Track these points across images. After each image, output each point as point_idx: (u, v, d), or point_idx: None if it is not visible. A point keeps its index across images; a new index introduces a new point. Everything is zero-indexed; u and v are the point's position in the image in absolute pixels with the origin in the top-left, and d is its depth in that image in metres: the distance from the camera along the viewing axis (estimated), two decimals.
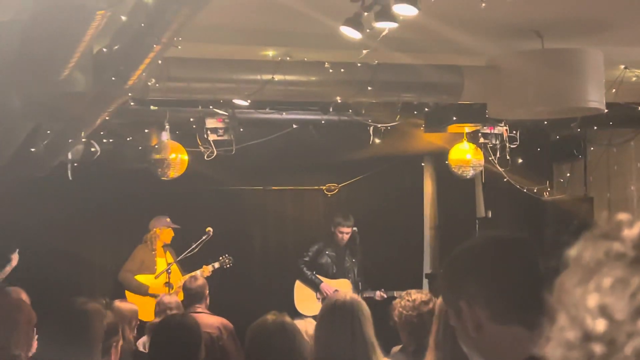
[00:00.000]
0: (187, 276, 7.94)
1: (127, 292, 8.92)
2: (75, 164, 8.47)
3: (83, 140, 7.95)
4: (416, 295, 4.80)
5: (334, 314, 4.08)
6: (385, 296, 9.05)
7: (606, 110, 6.92)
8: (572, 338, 0.57)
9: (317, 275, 9.30)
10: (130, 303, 6.89)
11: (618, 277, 0.56)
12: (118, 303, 6.34)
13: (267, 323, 3.95)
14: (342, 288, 9.00)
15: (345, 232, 9.31)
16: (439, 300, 4.19)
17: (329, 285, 9.18)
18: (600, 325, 0.55)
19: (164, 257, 9.15)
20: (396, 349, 4.90)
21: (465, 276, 1.99)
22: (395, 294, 8.94)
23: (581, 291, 0.58)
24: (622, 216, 0.61)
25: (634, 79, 7.53)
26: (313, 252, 9.40)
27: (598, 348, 0.55)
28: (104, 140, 8.49)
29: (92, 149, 8.41)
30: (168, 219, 9.25)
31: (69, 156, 8.33)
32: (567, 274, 0.61)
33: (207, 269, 8.94)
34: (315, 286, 9.25)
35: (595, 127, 9.45)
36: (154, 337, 4.35)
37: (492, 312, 1.89)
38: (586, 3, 5.74)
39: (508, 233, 2.07)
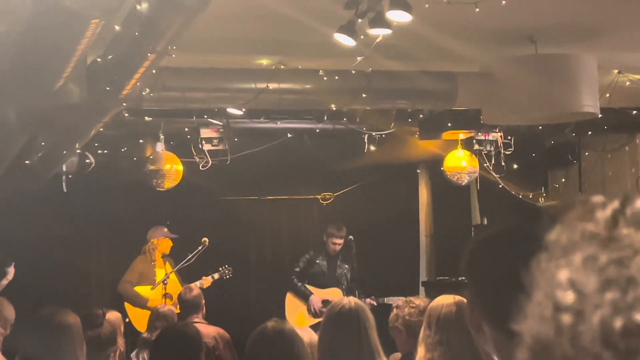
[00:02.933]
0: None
1: (126, 304, 8.90)
2: (70, 176, 8.45)
3: (77, 151, 7.94)
4: (419, 302, 4.80)
5: (340, 320, 4.07)
6: (375, 303, 9.02)
7: (600, 115, 6.94)
8: (546, 312, 0.60)
9: (308, 286, 9.29)
10: (113, 312, 6.86)
11: (588, 254, 0.59)
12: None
13: (267, 330, 3.94)
14: (332, 297, 8.99)
15: (337, 243, 9.31)
16: (431, 305, 4.19)
17: (317, 298, 9.17)
18: (569, 297, 0.58)
19: (164, 267, 9.14)
20: (395, 356, 4.89)
21: (465, 275, 1.93)
22: (387, 300, 8.96)
23: (554, 267, 0.61)
24: (596, 199, 0.64)
25: (627, 83, 7.55)
26: (304, 262, 9.39)
27: (567, 318, 0.57)
28: (99, 152, 8.48)
29: (87, 161, 8.40)
30: (165, 229, 9.24)
31: (64, 168, 8.31)
32: (544, 255, 0.64)
33: (207, 280, 8.93)
34: (305, 297, 9.24)
35: (590, 133, 9.47)
36: (155, 345, 4.34)
37: (489, 319, 1.84)
38: (579, 9, 5.76)
39: (514, 226, 1.99)
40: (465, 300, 4.11)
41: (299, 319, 8.79)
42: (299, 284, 9.28)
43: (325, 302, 8.79)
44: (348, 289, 9.33)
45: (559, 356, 0.58)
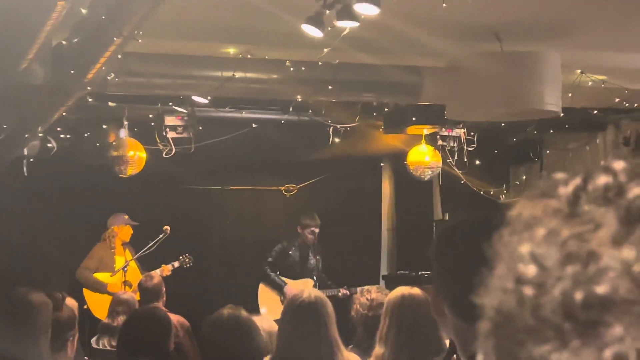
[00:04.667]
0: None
1: (84, 290, 8.84)
2: (32, 160, 8.36)
3: (40, 135, 7.86)
4: (375, 295, 4.83)
5: (299, 313, 4.07)
6: (348, 293, 9.08)
7: (562, 114, 7.01)
8: (508, 285, 0.61)
9: (281, 277, 9.29)
10: (70, 299, 6.81)
11: (551, 228, 0.60)
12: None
13: (223, 317, 3.94)
14: (305, 287, 9.01)
15: (315, 232, 9.33)
16: (388, 297, 4.23)
17: (293, 287, 9.18)
18: (531, 270, 0.59)
19: (123, 255, 9.09)
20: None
21: (432, 259, 1.96)
22: (359, 290, 8.99)
23: (516, 241, 0.62)
24: (559, 175, 0.65)
25: (590, 83, 7.64)
26: (276, 252, 9.38)
27: (528, 290, 0.58)
28: (61, 136, 8.40)
29: (49, 145, 8.31)
30: (126, 216, 9.19)
31: (25, 152, 8.22)
32: (506, 229, 0.64)
33: (167, 268, 8.89)
34: (279, 288, 9.23)
35: (552, 131, 9.58)
36: (124, 328, 4.33)
37: (451, 304, 1.86)
38: (545, 7, 5.82)
39: (478, 215, 2.01)
40: (421, 292, 4.16)
41: (275, 309, 8.77)
42: (272, 274, 9.28)
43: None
44: (319, 279, 9.36)
45: (520, 327, 0.59)
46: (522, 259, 0.60)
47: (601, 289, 0.56)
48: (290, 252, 9.37)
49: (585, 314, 0.56)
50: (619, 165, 0.62)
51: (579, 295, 0.56)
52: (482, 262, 1.97)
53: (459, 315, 1.83)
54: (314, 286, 9.11)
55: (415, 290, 4.11)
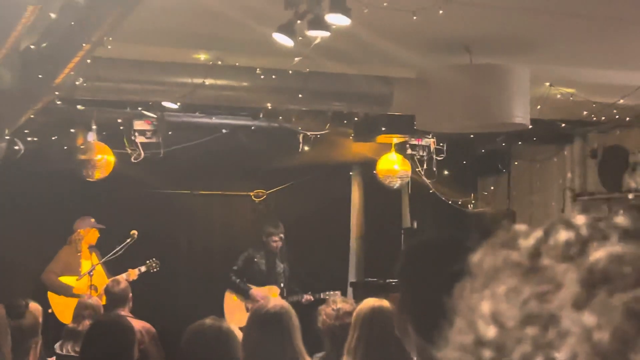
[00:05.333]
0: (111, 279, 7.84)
1: (49, 294, 8.76)
2: None
3: (6, 138, 7.77)
4: (341, 305, 4.83)
5: (264, 323, 4.07)
6: (312, 299, 9.10)
7: (531, 127, 7.07)
8: (467, 342, 0.60)
9: (247, 284, 9.28)
10: (34, 303, 6.76)
11: (511, 286, 0.59)
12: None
13: (205, 327, 3.92)
14: (271, 294, 9.01)
15: (276, 240, 9.34)
16: (357, 309, 4.24)
17: (259, 291, 9.17)
18: (490, 331, 0.58)
19: (90, 259, 9.02)
20: (319, 355, 4.92)
21: (398, 277, 1.96)
22: (322, 295, 9.03)
23: (477, 297, 0.61)
24: (520, 227, 0.64)
25: (558, 96, 7.71)
26: (242, 260, 9.37)
27: (488, 353, 0.57)
28: (28, 139, 8.31)
29: (16, 147, 8.23)
30: (93, 220, 9.12)
31: None
32: (468, 280, 0.64)
33: (134, 273, 8.84)
34: (245, 294, 9.22)
35: (520, 143, 9.66)
36: (87, 335, 4.30)
37: (415, 323, 1.86)
38: (515, 21, 5.87)
39: (439, 238, 1.99)
40: (389, 304, 4.17)
41: (240, 318, 8.75)
42: (238, 280, 9.26)
43: (266, 298, 8.81)
44: (286, 286, 9.36)
45: None
46: (483, 317, 0.59)
47: (561, 356, 0.55)
48: (255, 260, 9.36)
49: None
50: (580, 220, 0.61)
51: None
52: (447, 284, 1.95)
53: (422, 334, 1.83)
54: (280, 293, 9.11)
55: (385, 303, 4.12)
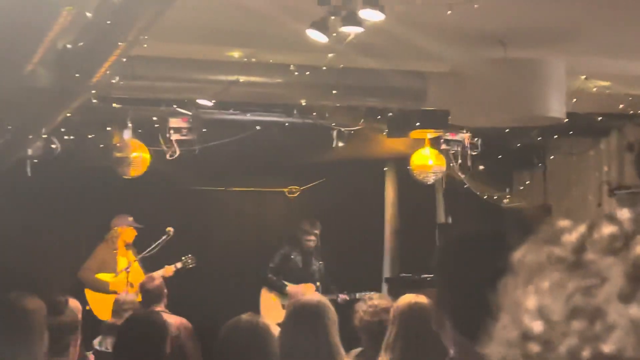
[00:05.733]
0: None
1: (86, 291, 8.85)
2: (35, 161, 8.37)
3: (43, 136, 7.87)
4: (378, 301, 4.83)
5: (300, 316, 4.08)
6: (348, 299, 9.08)
7: (566, 120, 7.02)
8: (512, 337, 0.60)
9: (284, 282, 9.31)
10: (74, 300, 6.84)
11: (556, 281, 0.60)
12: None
13: (241, 323, 3.94)
14: (307, 292, 9.03)
15: (311, 240, 9.35)
16: (395, 305, 4.23)
17: (295, 288, 9.19)
18: (537, 326, 0.58)
19: (126, 256, 9.09)
20: (355, 351, 4.93)
21: (435, 272, 1.95)
22: (358, 295, 9.02)
23: (521, 293, 0.61)
24: (563, 222, 0.64)
25: (594, 89, 7.64)
26: (278, 257, 9.40)
27: (535, 347, 0.58)
28: (65, 137, 8.40)
29: (53, 146, 8.32)
30: (130, 218, 9.19)
31: (29, 152, 8.23)
32: (511, 276, 0.64)
33: (170, 269, 8.90)
34: (281, 291, 9.25)
35: (556, 136, 9.57)
36: (120, 332, 4.34)
37: (453, 318, 1.86)
38: (549, 14, 5.82)
39: (481, 232, 1.94)
40: (427, 299, 4.16)
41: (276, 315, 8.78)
42: (275, 278, 9.29)
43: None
44: (322, 284, 9.36)
45: None
46: (528, 312, 0.60)
47: (608, 348, 0.55)
48: (292, 257, 9.38)
49: None
50: (623, 214, 0.62)
51: (585, 353, 0.56)
52: (486, 279, 1.93)
53: (460, 329, 1.82)
54: (317, 290, 9.13)
55: (422, 299, 4.11)
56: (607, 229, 0.61)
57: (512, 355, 0.60)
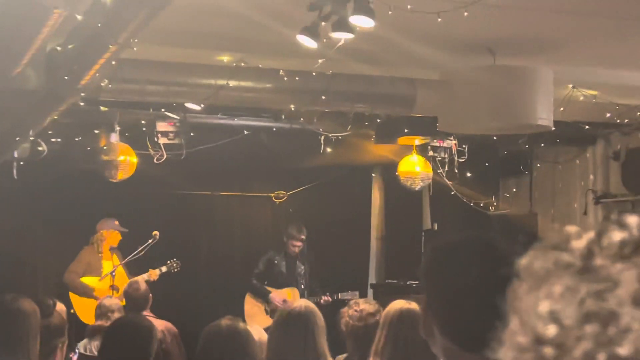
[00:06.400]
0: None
1: (71, 294, 8.81)
2: (22, 163, 8.33)
3: (30, 138, 7.83)
4: (364, 306, 4.83)
5: (289, 323, 4.08)
6: (330, 300, 9.11)
7: (553, 128, 7.05)
8: (524, 342, 0.60)
9: (267, 287, 9.32)
10: (60, 304, 6.82)
11: (567, 285, 0.60)
12: None
13: (222, 327, 3.94)
14: (289, 297, 9.04)
15: (297, 245, 9.37)
16: (385, 310, 4.23)
17: (278, 294, 9.20)
18: (550, 330, 0.58)
19: (111, 259, 9.06)
20: (341, 357, 4.93)
21: (423, 278, 1.95)
22: (340, 296, 9.05)
23: (532, 298, 0.61)
24: (571, 229, 0.65)
25: (581, 98, 7.68)
26: (263, 263, 9.41)
27: (549, 351, 0.58)
28: (52, 140, 8.36)
29: (39, 148, 8.28)
30: (116, 222, 9.17)
31: (15, 154, 8.19)
32: (519, 282, 0.64)
33: (154, 273, 8.88)
34: (264, 297, 9.26)
35: (542, 144, 9.62)
36: (106, 335, 4.32)
37: (441, 325, 1.86)
38: (538, 23, 5.85)
39: (474, 236, 1.94)
40: (417, 305, 4.16)
41: (259, 320, 8.77)
42: (258, 284, 9.31)
43: (285, 302, 8.86)
44: (306, 288, 9.37)
45: None
46: (541, 317, 0.60)
47: (623, 351, 0.55)
48: (276, 262, 9.39)
49: None
50: (633, 220, 0.62)
51: (601, 357, 0.56)
52: (474, 285, 1.93)
53: (449, 336, 1.82)
54: (301, 295, 9.13)
55: (413, 305, 4.11)
56: (617, 235, 0.61)
57: (527, 354, 0.60)
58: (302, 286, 9.40)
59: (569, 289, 0.60)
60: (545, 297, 0.61)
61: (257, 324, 8.13)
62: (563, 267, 0.61)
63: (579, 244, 0.62)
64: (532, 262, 0.64)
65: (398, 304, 4.13)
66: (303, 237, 9.40)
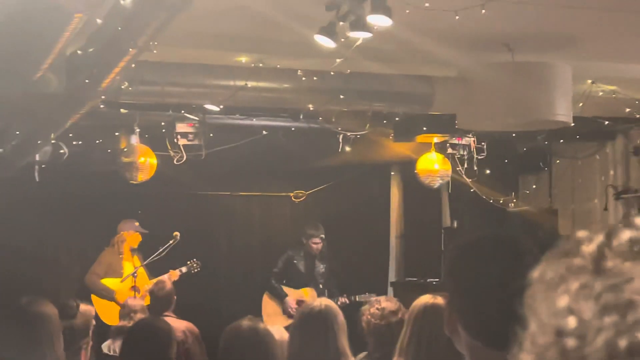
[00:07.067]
0: (154, 280, 7.91)
1: (92, 296, 8.87)
2: (43, 166, 8.39)
3: (52, 142, 7.89)
4: (385, 304, 4.83)
5: (309, 322, 4.10)
6: (347, 302, 9.10)
7: (572, 124, 7.03)
8: (545, 341, 0.61)
9: (284, 287, 9.34)
10: (87, 305, 6.88)
11: (582, 283, 0.61)
12: None
13: (242, 327, 3.96)
14: (307, 297, 9.06)
15: (317, 243, 9.38)
16: (412, 306, 4.22)
17: (292, 299, 9.22)
18: (571, 322, 0.60)
19: (132, 261, 9.11)
20: (362, 355, 4.94)
21: (446, 276, 1.96)
22: (357, 298, 9.05)
23: (550, 299, 0.63)
24: (581, 234, 0.66)
25: (600, 93, 7.65)
26: (282, 262, 9.43)
27: (571, 342, 0.59)
28: (73, 142, 8.42)
29: (61, 151, 8.34)
30: (137, 223, 9.22)
31: (37, 157, 8.26)
32: (534, 287, 0.65)
33: (175, 274, 8.92)
34: (281, 299, 9.29)
35: (562, 140, 9.59)
36: (126, 338, 4.36)
37: (465, 322, 1.86)
38: (556, 18, 5.84)
39: (497, 235, 1.95)
40: (442, 300, 4.15)
41: (277, 320, 8.80)
42: (276, 285, 9.33)
43: (300, 303, 8.88)
44: (324, 287, 9.38)
45: None
46: (560, 312, 0.61)
47: None
48: (295, 261, 9.41)
49: (631, 359, 0.57)
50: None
51: (623, 343, 0.57)
52: (497, 282, 1.94)
53: (473, 334, 1.83)
54: (319, 295, 9.13)
55: (439, 300, 4.08)
56: (626, 234, 0.63)
57: (548, 356, 0.61)
58: (321, 286, 9.42)
59: (585, 286, 0.61)
60: (562, 293, 0.62)
61: (274, 323, 8.17)
62: (576, 272, 0.63)
63: (590, 248, 0.64)
64: (544, 271, 0.65)
65: (423, 299, 4.11)
66: (322, 235, 9.41)
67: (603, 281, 0.61)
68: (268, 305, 9.35)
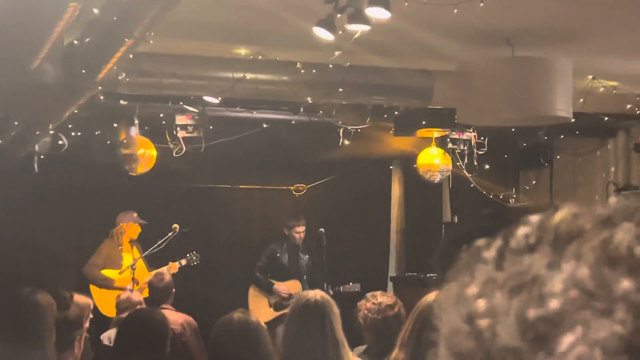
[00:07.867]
0: (153, 272, 7.90)
1: (91, 287, 8.86)
2: (42, 157, 8.39)
3: (51, 132, 7.88)
4: (382, 299, 4.82)
5: (305, 313, 4.08)
6: (331, 293, 9.09)
7: (573, 120, 7.00)
8: (461, 326, 0.62)
9: (270, 279, 9.35)
10: (84, 297, 6.87)
11: (486, 277, 0.63)
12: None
13: (232, 321, 3.96)
14: (292, 289, 9.08)
15: (299, 232, 9.38)
16: (418, 303, 4.21)
17: (281, 285, 9.24)
18: (480, 304, 0.61)
19: (131, 252, 9.11)
20: (360, 348, 4.92)
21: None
22: (342, 288, 9.06)
23: (458, 290, 0.64)
24: (479, 242, 0.67)
25: (601, 89, 7.62)
26: (265, 255, 9.44)
27: (484, 322, 0.60)
28: (72, 134, 8.42)
29: (60, 142, 8.34)
30: (135, 215, 9.21)
31: (36, 148, 8.25)
32: (441, 304, 0.66)
33: (174, 266, 8.91)
34: (268, 289, 9.29)
35: (562, 136, 9.56)
36: (121, 329, 4.36)
37: None
38: (557, 13, 5.81)
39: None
40: None
41: (263, 313, 8.81)
42: (261, 276, 9.34)
43: (290, 294, 8.90)
44: (309, 279, 9.38)
45: None
46: (469, 300, 0.62)
47: (553, 304, 0.58)
48: (278, 254, 9.41)
49: (539, 329, 0.57)
50: (534, 218, 0.65)
51: (532, 313, 0.58)
52: None
53: None
54: (303, 287, 9.13)
55: None
56: (521, 232, 0.64)
57: (463, 344, 0.61)
58: (305, 277, 9.41)
59: (489, 280, 0.62)
60: (469, 283, 0.64)
61: (260, 317, 8.17)
62: (480, 272, 0.64)
63: (490, 253, 0.65)
64: (448, 289, 0.66)
65: (431, 297, 4.11)
66: (304, 222, 9.43)
67: (504, 273, 0.62)
68: (254, 297, 9.35)
